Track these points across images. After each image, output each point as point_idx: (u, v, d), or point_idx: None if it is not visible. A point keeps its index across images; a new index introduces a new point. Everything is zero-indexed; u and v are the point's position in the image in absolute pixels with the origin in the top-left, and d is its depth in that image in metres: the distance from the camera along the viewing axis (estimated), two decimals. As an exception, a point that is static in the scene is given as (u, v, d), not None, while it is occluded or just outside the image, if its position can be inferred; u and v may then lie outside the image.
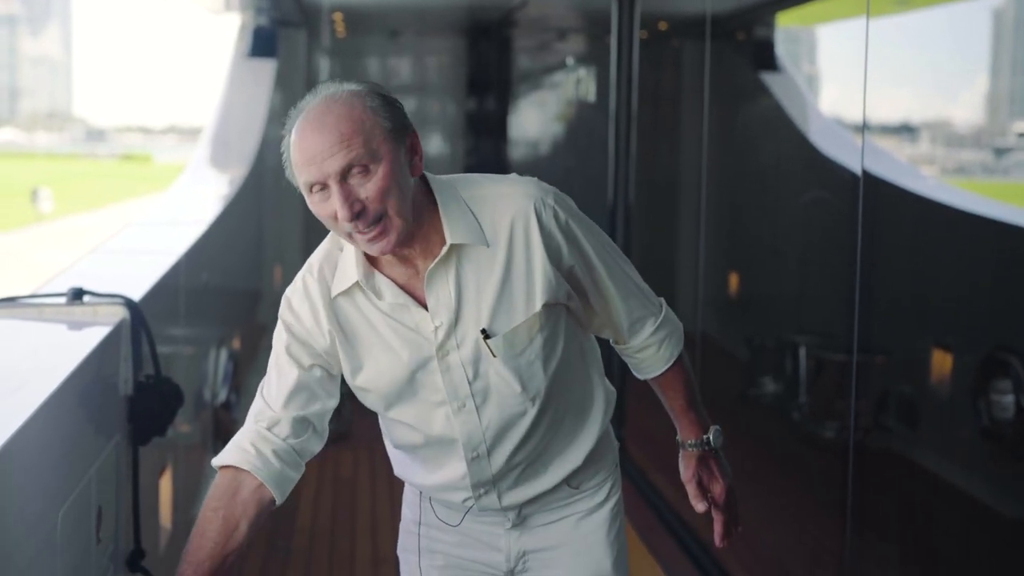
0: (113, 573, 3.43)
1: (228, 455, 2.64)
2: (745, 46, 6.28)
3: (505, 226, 2.55)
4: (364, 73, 15.74)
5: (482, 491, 2.75)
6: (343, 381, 2.73)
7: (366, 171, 2.39)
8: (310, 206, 2.48)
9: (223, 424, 6.00)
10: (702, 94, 6.09)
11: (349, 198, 2.39)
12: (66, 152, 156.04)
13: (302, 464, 2.71)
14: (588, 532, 2.86)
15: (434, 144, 15.94)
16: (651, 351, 2.80)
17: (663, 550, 6.01)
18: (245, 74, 11.63)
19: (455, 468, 2.73)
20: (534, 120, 12.61)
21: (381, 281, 2.58)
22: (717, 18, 6.03)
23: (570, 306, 2.67)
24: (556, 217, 2.56)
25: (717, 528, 2.91)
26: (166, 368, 3.81)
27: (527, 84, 13.23)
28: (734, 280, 6.10)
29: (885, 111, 4.36)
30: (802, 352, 5.09)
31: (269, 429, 2.65)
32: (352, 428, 7.97)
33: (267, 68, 11.71)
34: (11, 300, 3.57)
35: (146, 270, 4.47)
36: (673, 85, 7.40)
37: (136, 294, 3.72)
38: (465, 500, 2.78)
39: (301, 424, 2.67)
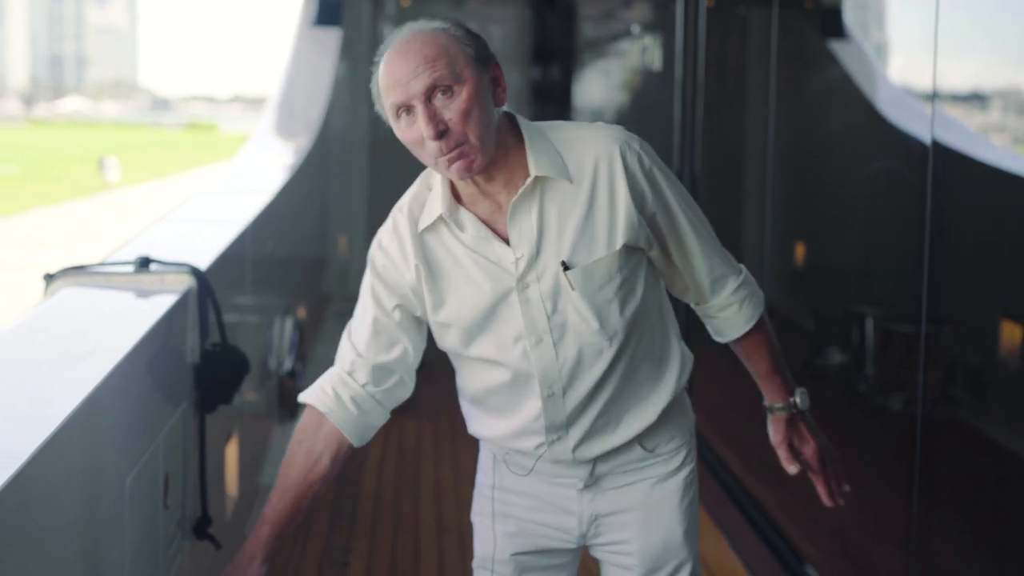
0: (180, 540, 3.46)
1: (310, 394, 2.83)
2: (813, 13, 6.23)
3: (590, 165, 2.61)
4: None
5: (555, 436, 2.77)
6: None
7: (450, 92, 2.48)
8: (397, 133, 2.57)
9: (288, 393, 6.03)
10: (768, 62, 6.04)
11: (434, 117, 2.47)
12: (132, 121, 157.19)
13: (384, 411, 2.84)
14: (661, 498, 2.88)
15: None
16: (733, 310, 2.83)
17: (728, 522, 6.01)
18: (310, 43, 11.64)
19: (530, 409, 2.76)
20: (599, 89, 12.57)
21: (465, 215, 2.65)
22: (784, -15, 5.98)
23: (651, 256, 2.72)
24: (640, 161, 2.63)
25: (820, 489, 2.94)
26: (232, 336, 3.83)
27: (592, 52, 13.19)
28: (800, 250, 6.06)
29: (955, 79, 4.31)
30: (869, 323, 5.06)
31: (350, 374, 2.80)
32: (416, 398, 7.99)
33: (332, 36, 11.71)
34: (80, 268, 3.59)
35: (212, 239, 4.49)
36: (739, 53, 7.35)
37: (203, 263, 3.74)
38: (538, 446, 2.80)
39: (382, 371, 2.79)
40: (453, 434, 7.60)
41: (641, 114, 9.85)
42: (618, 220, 2.61)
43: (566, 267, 2.61)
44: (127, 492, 2.82)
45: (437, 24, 2.55)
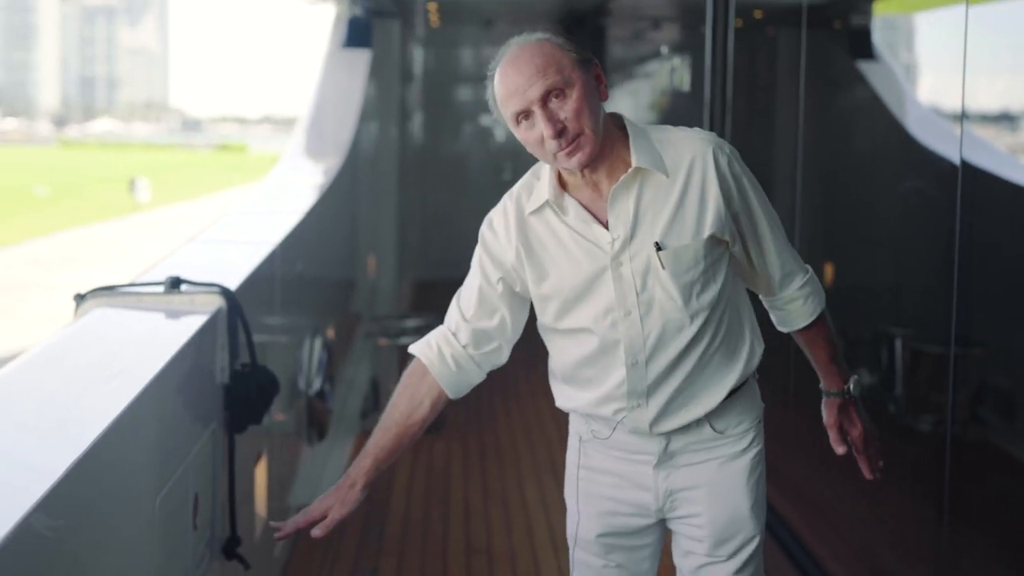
0: (209, 560, 3.47)
1: (418, 347, 3.15)
2: (841, 34, 6.22)
3: (685, 162, 2.92)
4: (458, 63, 15.80)
5: (635, 403, 3.01)
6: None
7: (563, 95, 2.80)
8: (518, 136, 2.88)
9: (317, 413, 6.04)
10: (798, 83, 6.04)
11: (552, 118, 2.79)
12: (163, 142, 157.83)
13: (481, 372, 3.16)
14: (729, 476, 3.11)
15: (527, 133, 15.93)
16: (798, 303, 3.14)
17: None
18: (340, 64, 11.69)
19: (615, 377, 3.00)
20: (628, 109, 12.56)
21: (568, 200, 2.96)
22: (813, 6, 5.98)
23: (733, 251, 3.01)
24: (730, 164, 2.94)
25: (863, 466, 3.25)
26: (262, 357, 3.85)
27: (621, 73, 13.20)
28: (829, 271, 6.05)
29: (984, 99, 4.31)
30: (898, 344, 5.04)
31: (454, 334, 3.12)
32: (445, 418, 8.01)
33: (362, 58, 11.75)
34: (110, 289, 3.61)
35: (242, 259, 4.51)
36: (768, 74, 7.34)
37: (232, 283, 3.76)
38: (617, 411, 3.03)
39: (482, 335, 3.11)
40: (482, 455, 7.60)
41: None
42: (707, 212, 2.91)
43: (659, 248, 2.89)
44: (157, 512, 2.84)
45: (540, 35, 2.87)
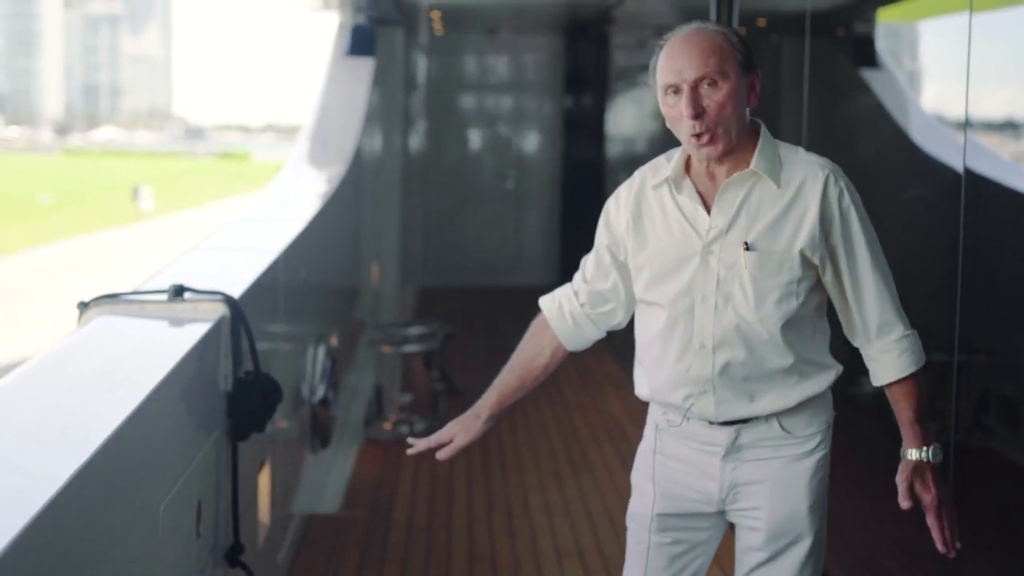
0: (212, 567, 3.47)
1: (545, 300, 3.46)
2: (845, 42, 6.22)
3: (798, 179, 3.08)
4: (461, 71, 15.80)
5: (701, 389, 3.17)
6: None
7: (715, 85, 2.98)
8: (663, 105, 3.07)
9: (321, 420, 6.04)
10: (801, 91, 6.04)
11: (695, 100, 2.97)
12: (165, 150, 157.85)
13: (598, 330, 3.43)
14: (792, 475, 3.23)
15: (530, 141, 15.95)
16: (891, 356, 3.19)
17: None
18: (343, 72, 11.70)
19: (683, 359, 3.17)
20: (631, 117, 12.57)
21: (686, 182, 3.14)
22: (817, 14, 5.98)
23: (824, 280, 3.14)
24: (840, 194, 3.09)
25: (936, 536, 3.24)
26: (265, 364, 3.85)
27: (624, 81, 13.19)
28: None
29: (988, 108, 4.30)
30: (902, 351, 5.03)
31: (575, 293, 3.40)
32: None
33: (365, 66, 11.76)
34: (114, 296, 3.61)
35: (245, 267, 4.52)
36: (772, 82, 7.34)
37: (236, 291, 3.76)
38: (686, 398, 3.19)
39: (598, 297, 3.37)
40: (485, 461, 7.60)
41: (673, 142, 9.83)
42: (802, 230, 3.05)
43: (748, 247, 3.05)
44: (160, 519, 2.84)
45: (719, 27, 3.07)
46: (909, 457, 3.23)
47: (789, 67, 6.66)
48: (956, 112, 4.38)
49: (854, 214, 3.10)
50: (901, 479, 3.24)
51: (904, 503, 3.22)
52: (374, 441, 8.01)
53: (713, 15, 6.90)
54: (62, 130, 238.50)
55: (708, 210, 3.11)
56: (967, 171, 4.18)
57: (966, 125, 4.20)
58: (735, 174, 3.07)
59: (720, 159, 3.07)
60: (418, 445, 3.41)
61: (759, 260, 3.06)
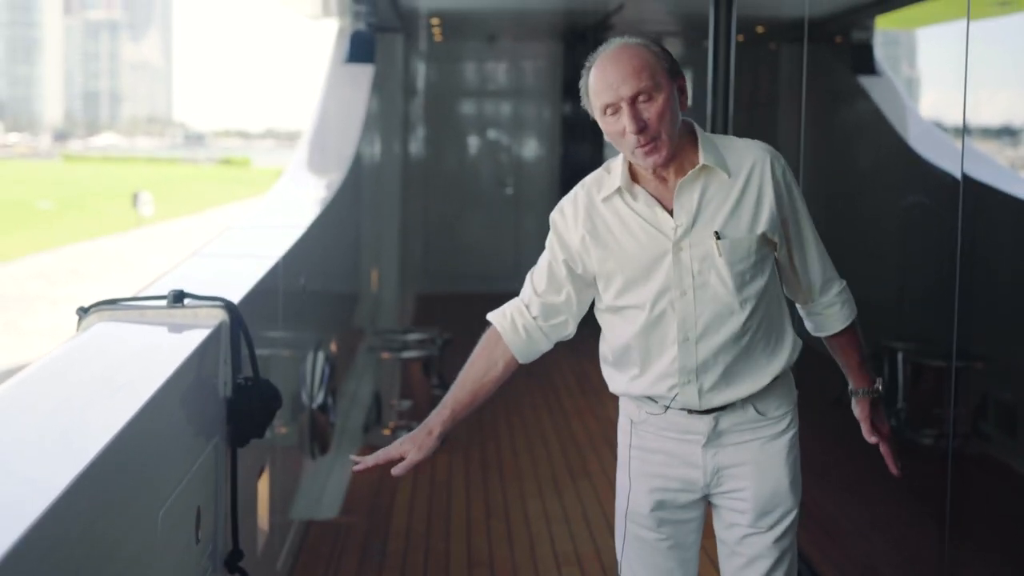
0: (212, 573, 3.48)
1: (496, 315, 3.51)
2: (843, 49, 6.23)
3: (747, 165, 3.27)
4: (461, 78, 15.81)
5: (686, 379, 3.30)
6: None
7: (650, 98, 3.12)
8: (602, 125, 3.21)
9: (320, 426, 6.04)
10: (799, 98, 6.05)
11: (636, 117, 3.11)
12: (166, 156, 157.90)
13: (549, 341, 3.50)
14: (771, 454, 3.39)
15: (530, 147, 15.96)
16: (835, 309, 3.47)
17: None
18: (343, 79, 11.71)
19: (668, 353, 3.30)
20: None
21: (638, 189, 3.28)
22: (815, 21, 5.99)
23: (777, 256, 3.35)
24: (784, 173, 3.30)
25: (889, 462, 3.55)
26: (264, 370, 3.85)
27: (623, 88, 13.19)
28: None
29: (986, 114, 4.31)
30: (900, 358, 5.04)
31: (526, 306, 3.47)
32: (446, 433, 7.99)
33: (365, 73, 11.77)
34: (113, 302, 3.61)
35: (245, 273, 4.52)
36: (770, 89, 7.35)
37: (235, 297, 3.76)
38: (671, 388, 3.31)
39: (550, 309, 3.44)
40: (484, 468, 7.60)
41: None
42: (762, 212, 3.25)
43: (718, 236, 3.20)
44: (159, 525, 2.84)
45: (640, 40, 3.21)
46: (862, 395, 3.53)
47: (787, 74, 6.67)
48: (954, 118, 4.39)
49: (794, 187, 3.33)
50: (863, 417, 3.53)
51: (872, 439, 3.52)
52: (373, 447, 7.98)
53: (712, 22, 6.92)
54: (62, 136, 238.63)
55: (668, 210, 3.25)
56: (965, 177, 4.18)
57: (964, 131, 4.21)
58: (689, 171, 3.23)
59: (666, 163, 3.20)
60: (365, 461, 3.49)
61: (731, 246, 3.22)
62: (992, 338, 4.31)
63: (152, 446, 2.84)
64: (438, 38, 15.19)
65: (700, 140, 3.27)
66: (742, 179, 3.26)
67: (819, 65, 6.01)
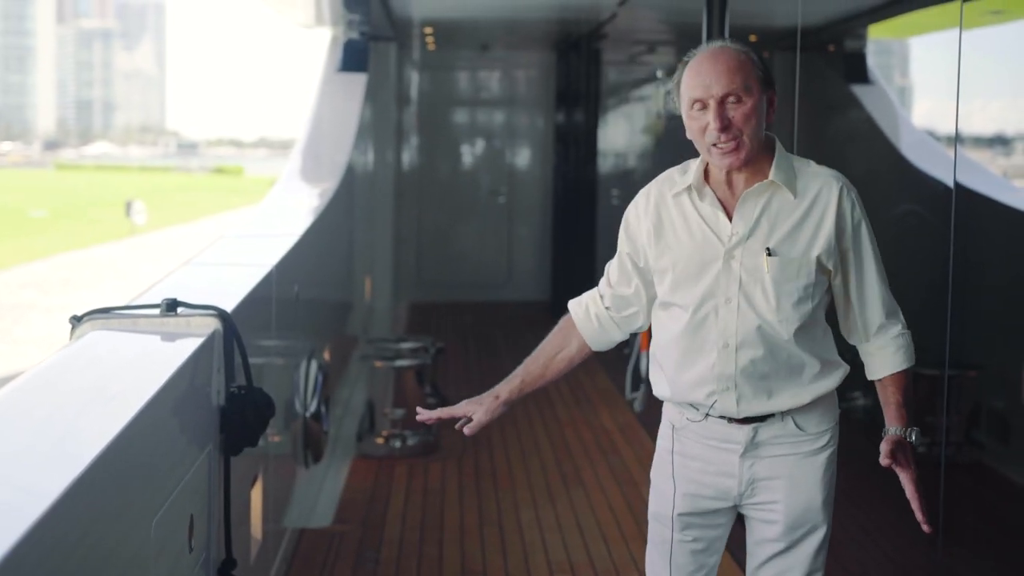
0: (205, 581, 3.47)
1: (574, 302, 3.66)
2: (836, 58, 6.24)
3: (814, 189, 3.30)
4: (454, 87, 15.82)
5: (724, 386, 3.33)
6: None
7: (739, 100, 3.19)
8: (686, 118, 3.29)
9: (313, 435, 6.04)
10: (792, 106, 6.06)
11: (722, 115, 3.19)
12: (159, 165, 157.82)
13: (621, 332, 3.63)
14: (807, 470, 3.40)
15: (523, 156, 15.96)
16: (889, 351, 3.40)
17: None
18: (336, 87, 11.71)
19: (708, 357, 3.34)
20: (623, 133, 12.59)
21: (707, 191, 3.34)
22: (808, 30, 6.00)
23: (833, 283, 3.37)
24: (853, 204, 3.32)
25: (916, 507, 3.34)
26: (258, 379, 3.85)
27: (616, 97, 13.22)
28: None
29: (978, 123, 4.32)
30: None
31: (600, 296, 3.61)
32: (440, 440, 8.00)
33: (358, 82, 11.77)
34: (106, 311, 3.61)
35: (238, 282, 4.52)
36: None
37: (229, 305, 3.76)
38: (709, 395, 3.35)
39: (622, 300, 3.57)
40: (477, 476, 7.60)
41: (664, 157, 9.85)
42: (819, 237, 3.27)
43: (770, 253, 3.25)
44: (153, 534, 2.84)
45: (740, 46, 3.28)
46: (892, 432, 3.39)
47: (780, 83, 6.68)
48: (946, 127, 4.40)
49: (864, 223, 3.33)
50: (885, 450, 3.37)
51: (884, 460, 3.35)
52: (366, 456, 8.00)
53: (704, 32, 6.92)
54: (55, 145, 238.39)
55: (729, 217, 3.30)
56: (957, 186, 4.19)
57: (956, 140, 4.22)
58: (755, 184, 3.28)
59: (740, 168, 3.27)
60: (429, 415, 3.62)
61: (780, 265, 3.25)
62: (984, 347, 4.32)
63: (145, 454, 2.84)
64: (431, 47, 15.20)
65: (776, 156, 3.32)
66: (807, 202, 3.29)
67: (812, 74, 6.02)
